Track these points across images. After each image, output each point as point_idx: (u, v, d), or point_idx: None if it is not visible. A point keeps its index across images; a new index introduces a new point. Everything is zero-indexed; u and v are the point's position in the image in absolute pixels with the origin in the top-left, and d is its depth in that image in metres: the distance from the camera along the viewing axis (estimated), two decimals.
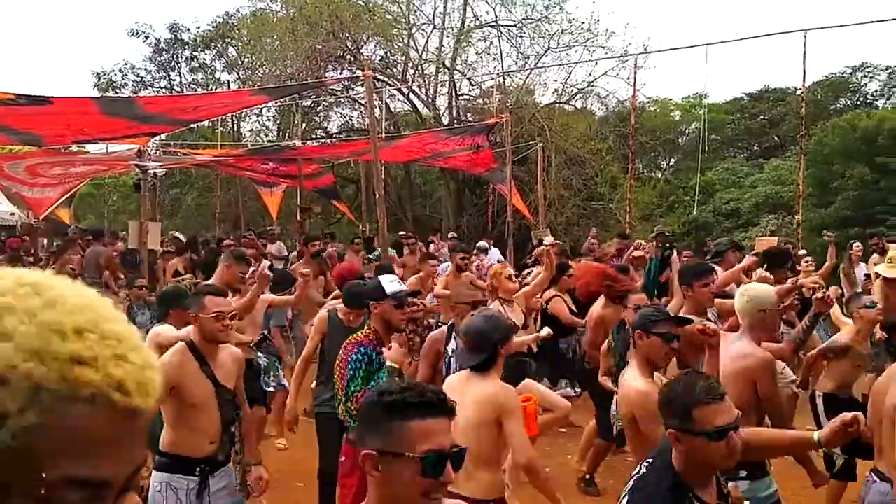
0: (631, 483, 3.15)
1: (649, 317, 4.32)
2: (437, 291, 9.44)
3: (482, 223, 24.31)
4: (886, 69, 41.70)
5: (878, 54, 77.13)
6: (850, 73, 41.63)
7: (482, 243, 15.73)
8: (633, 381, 4.23)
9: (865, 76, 42.03)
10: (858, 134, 29.01)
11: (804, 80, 15.93)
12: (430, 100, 26.56)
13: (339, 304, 6.56)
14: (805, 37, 15.15)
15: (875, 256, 11.97)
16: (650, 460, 3.16)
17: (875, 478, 4.09)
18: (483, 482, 4.25)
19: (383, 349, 5.19)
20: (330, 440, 5.75)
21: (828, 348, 7.12)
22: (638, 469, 3.21)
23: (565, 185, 24.37)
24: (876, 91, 42.21)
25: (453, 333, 5.96)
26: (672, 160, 40.76)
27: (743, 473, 4.34)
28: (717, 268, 7.38)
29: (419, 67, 26.82)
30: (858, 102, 40.55)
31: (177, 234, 16.91)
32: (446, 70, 26.32)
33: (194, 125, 20.90)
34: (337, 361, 5.19)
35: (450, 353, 5.87)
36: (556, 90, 27.11)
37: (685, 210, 30.55)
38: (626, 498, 3.08)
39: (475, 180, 24.86)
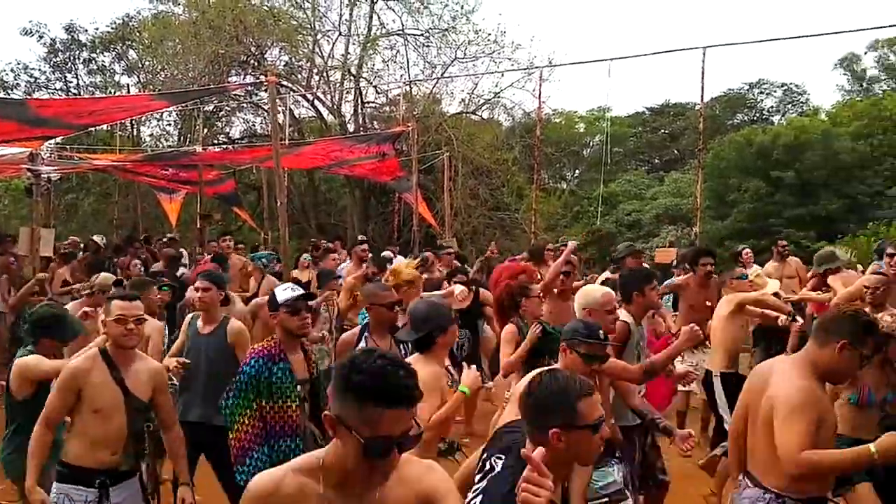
0: (484, 483, 3.01)
1: (578, 334, 4.22)
2: (345, 282, 9.28)
3: (388, 232, 24.15)
4: (782, 86, 43.17)
5: (775, 71, 79.82)
6: (748, 90, 42.96)
7: (386, 252, 15.56)
8: None
9: (762, 92, 43.43)
10: (754, 149, 29.84)
11: (702, 96, 16.19)
12: (335, 107, 26.33)
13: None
14: (704, 53, 15.39)
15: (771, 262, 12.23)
16: (501, 456, 3.04)
17: (748, 482, 3.94)
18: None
19: (288, 356, 5.00)
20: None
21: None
22: (488, 465, 3.07)
23: (472, 195, 24.45)
24: (772, 107, 43.66)
25: (365, 334, 5.77)
26: (577, 171, 41.32)
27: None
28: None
29: (324, 74, 26.58)
30: (755, 118, 41.85)
31: (97, 238, 16.23)
32: (352, 77, 26.17)
33: (92, 129, 20.23)
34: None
35: None
36: (462, 100, 27.31)
37: (589, 221, 30.94)
38: (480, 497, 2.95)
39: (381, 189, 24.72)
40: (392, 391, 2.24)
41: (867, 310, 6.51)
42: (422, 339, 4.65)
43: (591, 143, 40.83)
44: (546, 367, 3.72)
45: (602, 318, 5.12)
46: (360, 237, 19.63)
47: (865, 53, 43.24)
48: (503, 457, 3.04)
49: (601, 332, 4.32)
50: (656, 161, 43.65)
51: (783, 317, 7.78)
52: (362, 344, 5.67)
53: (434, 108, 25.69)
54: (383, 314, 5.80)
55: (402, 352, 5.32)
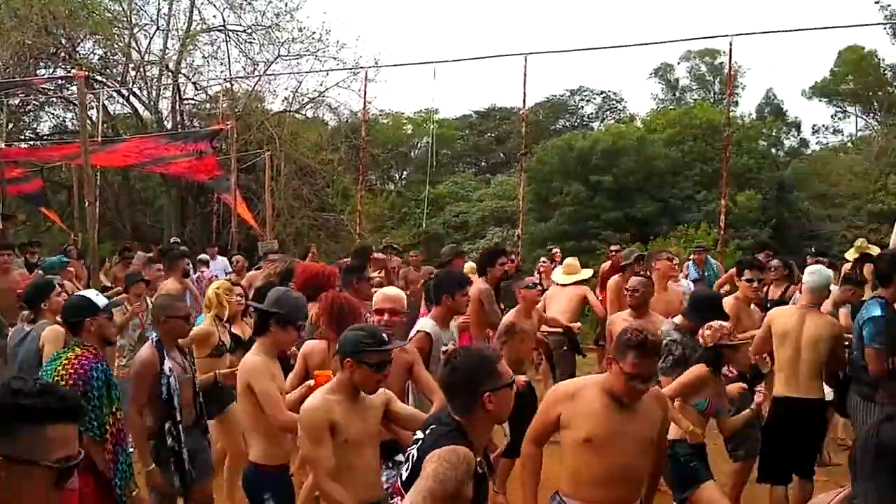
0: (416, 453, 3.17)
1: (359, 344, 3.99)
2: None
3: (207, 233, 23.39)
4: (601, 93, 44.73)
5: (595, 79, 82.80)
6: (569, 96, 44.24)
7: (203, 255, 15.03)
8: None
9: (583, 99, 44.85)
10: (575, 153, 30.68)
11: (524, 101, 16.45)
12: (152, 103, 25.29)
13: None
14: (525, 60, 15.62)
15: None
16: (433, 427, 3.22)
17: None
18: (258, 449, 4.60)
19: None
20: None
21: (499, 333, 7.29)
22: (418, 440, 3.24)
23: (295, 196, 24.03)
24: (591, 113, 45.17)
25: (164, 352, 5.40)
26: (405, 173, 41.40)
27: None
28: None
29: (141, 69, 25.48)
30: (576, 123, 43.15)
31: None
32: (170, 73, 25.21)
33: None
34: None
35: (166, 371, 5.33)
36: (286, 98, 26.78)
37: (416, 222, 31.00)
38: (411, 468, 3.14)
39: (199, 188, 23.94)
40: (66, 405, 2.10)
41: (628, 313, 6.97)
42: (261, 320, 4.74)
43: (418, 145, 40.99)
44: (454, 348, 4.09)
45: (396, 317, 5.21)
46: (172, 239, 19.01)
47: (678, 64, 45.41)
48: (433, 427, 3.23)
49: (384, 335, 4.15)
50: (483, 164, 44.30)
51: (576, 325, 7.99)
52: (167, 363, 5.34)
53: (256, 106, 25.06)
54: (179, 326, 5.58)
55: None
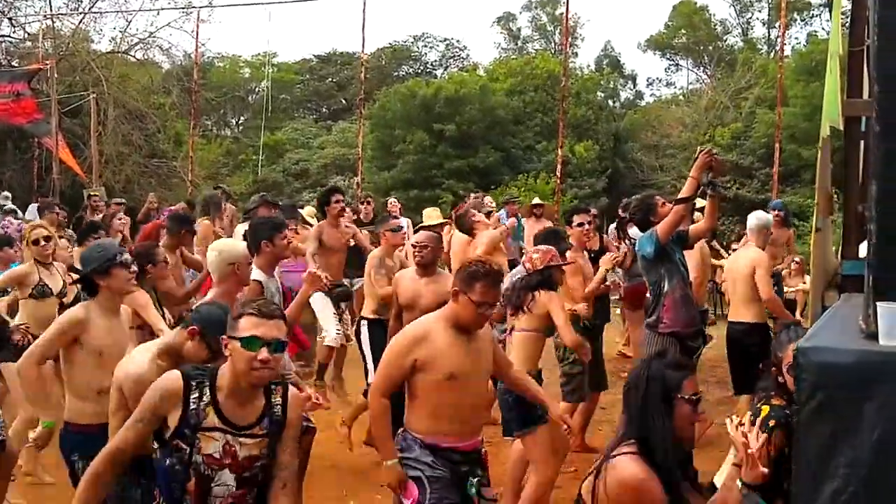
0: None
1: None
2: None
3: (28, 180, 22.00)
4: (444, 41, 44.45)
5: (438, 26, 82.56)
6: (412, 42, 43.76)
7: (9, 205, 14.13)
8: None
9: (426, 46, 44.46)
10: (418, 101, 30.38)
11: (363, 45, 16.16)
12: None
13: None
14: (364, 2, 15.31)
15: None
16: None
17: None
18: (68, 406, 4.42)
19: None
20: None
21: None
22: None
23: (125, 141, 22.95)
24: (435, 61, 44.85)
25: None
26: (242, 118, 40.16)
27: None
28: None
29: None
30: (419, 70, 42.74)
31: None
32: None
33: None
34: None
35: None
36: (113, 38, 25.42)
37: (253, 169, 30.19)
38: None
39: (19, 133, 22.43)
40: None
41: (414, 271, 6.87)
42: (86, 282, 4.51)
43: (256, 90, 39.74)
44: None
45: (244, 271, 5.11)
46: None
47: (520, 13, 45.60)
48: None
49: None
50: (324, 110, 43.37)
51: None
52: None
53: (81, 46, 23.62)
54: None
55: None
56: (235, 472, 3.14)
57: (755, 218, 7.54)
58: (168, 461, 3.12)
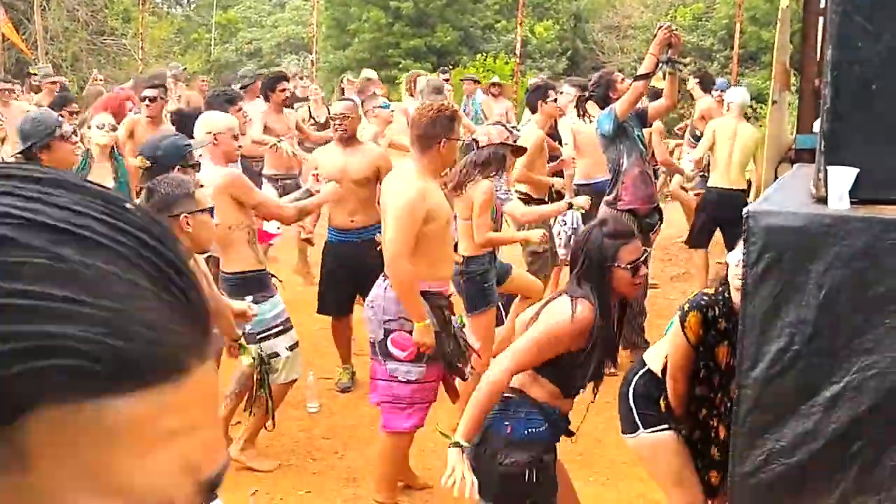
0: None
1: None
2: None
3: None
4: None
5: None
6: None
7: None
8: None
9: None
10: None
11: None
12: None
13: None
14: None
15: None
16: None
17: None
18: None
19: None
20: None
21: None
22: None
23: (71, 17, 22.09)
24: None
25: None
26: None
27: (249, 298, 4.55)
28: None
29: None
30: None
31: None
32: None
33: None
34: None
35: None
36: None
37: (206, 49, 29.40)
38: None
39: None
40: None
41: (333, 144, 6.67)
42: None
43: None
44: None
45: (229, 143, 4.95)
46: None
47: None
48: None
49: None
50: None
51: None
52: None
53: None
54: None
55: None
56: None
57: (740, 95, 7.85)
58: None
